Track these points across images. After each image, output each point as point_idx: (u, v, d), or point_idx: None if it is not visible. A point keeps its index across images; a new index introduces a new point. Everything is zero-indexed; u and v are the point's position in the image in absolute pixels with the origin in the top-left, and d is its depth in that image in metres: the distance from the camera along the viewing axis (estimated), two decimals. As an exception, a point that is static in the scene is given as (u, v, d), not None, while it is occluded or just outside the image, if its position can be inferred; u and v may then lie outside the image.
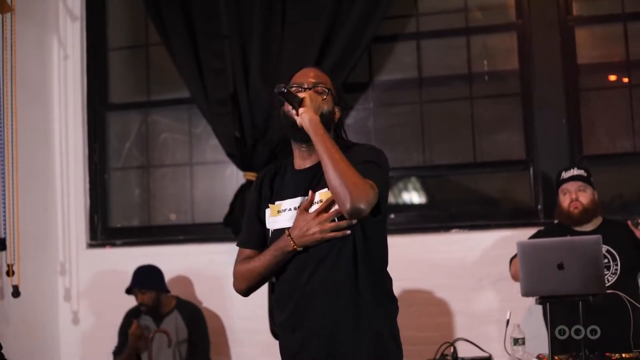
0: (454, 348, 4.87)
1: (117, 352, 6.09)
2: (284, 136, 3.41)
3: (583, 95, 6.08)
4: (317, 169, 3.19)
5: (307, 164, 3.28)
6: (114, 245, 6.69)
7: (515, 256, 4.92)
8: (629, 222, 5.04)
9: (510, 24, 6.26)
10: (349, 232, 3.11)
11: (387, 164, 3.25)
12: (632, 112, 6.01)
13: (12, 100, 5.95)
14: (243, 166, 6.17)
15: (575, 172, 5.25)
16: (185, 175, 6.76)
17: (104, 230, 6.76)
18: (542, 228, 5.47)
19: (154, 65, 6.88)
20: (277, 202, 3.30)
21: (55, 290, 6.56)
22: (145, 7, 6.51)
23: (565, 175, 5.26)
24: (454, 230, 6.05)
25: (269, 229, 3.30)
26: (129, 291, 6.01)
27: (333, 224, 3.10)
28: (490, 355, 4.84)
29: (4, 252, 5.84)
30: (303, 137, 3.20)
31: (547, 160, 5.98)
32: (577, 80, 6.07)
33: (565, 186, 5.23)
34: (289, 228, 3.18)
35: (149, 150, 6.83)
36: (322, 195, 3.17)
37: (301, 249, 3.15)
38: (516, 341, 4.65)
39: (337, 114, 3.35)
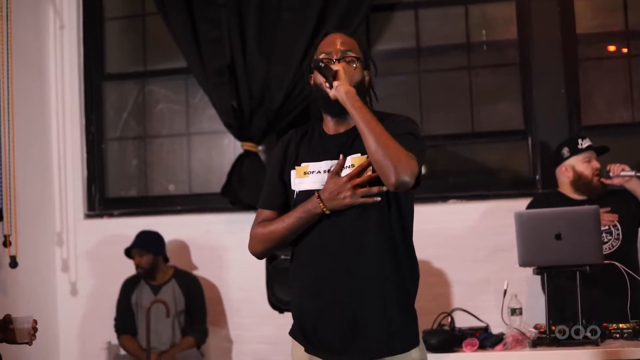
0: (452, 318, 4.88)
1: (119, 327, 6.16)
2: (313, 104, 3.32)
3: (582, 65, 6.05)
4: (350, 134, 3.16)
5: (340, 129, 3.21)
6: (111, 215, 6.69)
7: None
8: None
9: (509, -7, 6.24)
10: (379, 198, 3.05)
11: (422, 136, 3.17)
12: (631, 82, 5.99)
13: (8, 70, 5.91)
14: (240, 136, 6.15)
15: (590, 142, 5.25)
16: (182, 146, 6.74)
17: (101, 201, 6.75)
18: (538, 194, 5.47)
19: (151, 35, 6.83)
20: (303, 164, 3.22)
21: (53, 261, 6.56)
22: (142, -24, 6.50)
23: (584, 144, 5.23)
24: (451, 201, 6.05)
25: (293, 191, 3.23)
26: (128, 252, 6.06)
27: (365, 189, 3.04)
28: (488, 325, 4.84)
29: (0, 223, 5.84)
30: (336, 109, 3.14)
31: (545, 131, 5.96)
32: (576, 50, 6.04)
33: (587, 154, 5.21)
34: (318, 190, 3.11)
35: (146, 120, 6.81)
36: (354, 160, 3.11)
37: (329, 212, 3.08)
38: (513, 311, 4.66)
39: (367, 80, 3.29)
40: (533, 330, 4.55)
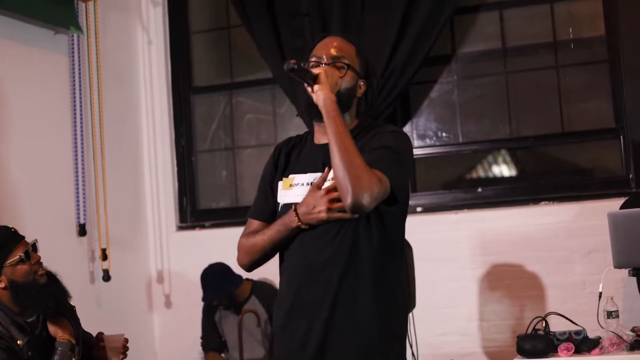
0: (546, 322, 4.80)
1: (205, 345, 6.16)
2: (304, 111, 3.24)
3: (673, 59, 5.91)
4: None
5: (325, 139, 3.04)
6: (203, 227, 6.76)
7: None
8: None
9: (595, -11, 6.13)
10: (357, 215, 2.92)
11: (409, 149, 3.08)
12: None
13: (98, 86, 6.06)
14: (328, 144, 6.14)
15: None
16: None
17: (192, 213, 6.82)
18: (633, 193, 5.33)
19: (236, 47, 6.91)
20: (290, 176, 3.15)
21: (147, 273, 6.66)
22: (225, -12, 6.56)
23: None
24: (543, 203, 5.95)
25: (278, 203, 3.17)
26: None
27: (341, 204, 2.89)
28: (584, 329, 4.76)
29: (91, 237, 5.94)
30: (319, 115, 3.02)
31: (637, 128, 5.82)
32: (667, 45, 5.90)
33: None
34: (297, 203, 3.02)
35: (235, 131, 6.87)
36: None
37: (306, 227, 2.99)
38: (610, 314, 4.56)
39: (362, 89, 3.18)
40: (630, 333, 4.45)
